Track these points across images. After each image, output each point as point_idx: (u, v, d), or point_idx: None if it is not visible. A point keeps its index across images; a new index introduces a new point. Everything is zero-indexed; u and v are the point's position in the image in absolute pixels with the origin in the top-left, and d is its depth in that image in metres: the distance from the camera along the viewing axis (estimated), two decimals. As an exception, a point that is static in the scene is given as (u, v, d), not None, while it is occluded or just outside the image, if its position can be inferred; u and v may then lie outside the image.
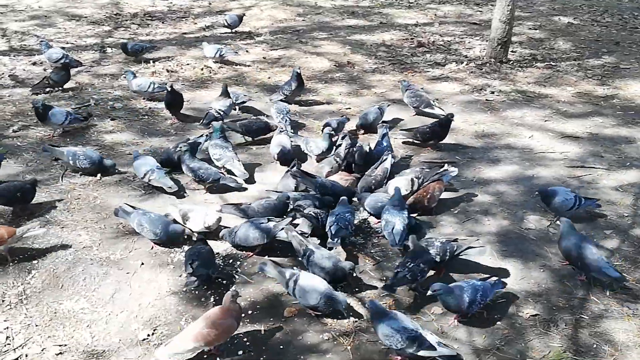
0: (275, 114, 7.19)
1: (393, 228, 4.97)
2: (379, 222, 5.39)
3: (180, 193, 5.87)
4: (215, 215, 5.22)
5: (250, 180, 6.18)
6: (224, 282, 4.76)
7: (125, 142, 6.90)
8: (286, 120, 7.00)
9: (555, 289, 4.76)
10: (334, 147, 6.44)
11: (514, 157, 6.78)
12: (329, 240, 4.93)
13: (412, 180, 5.80)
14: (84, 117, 7.04)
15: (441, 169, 5.85)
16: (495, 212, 5.71)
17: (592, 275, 4.73)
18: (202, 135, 6.62)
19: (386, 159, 6.13)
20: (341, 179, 6.02)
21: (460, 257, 4.84)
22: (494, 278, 4.67)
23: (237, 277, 4.82)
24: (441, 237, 5.05)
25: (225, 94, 7.42)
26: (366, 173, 6.05)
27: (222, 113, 7.19)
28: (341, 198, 5.31)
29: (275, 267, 4.60)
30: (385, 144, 6.39)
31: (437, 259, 4.74)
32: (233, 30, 10.84)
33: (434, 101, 7.70)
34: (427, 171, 5.88)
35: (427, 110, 7.62)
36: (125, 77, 8.23)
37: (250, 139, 7.00)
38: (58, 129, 6.88)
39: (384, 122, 7.04)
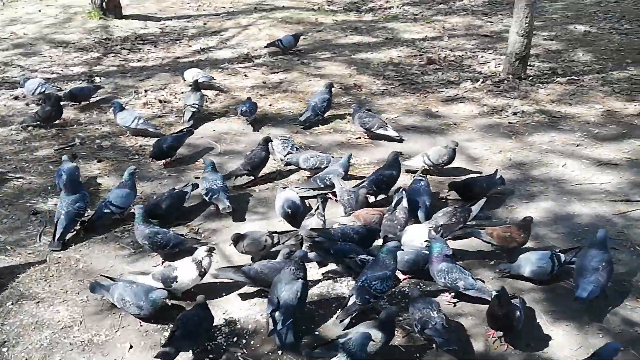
0: (280, 147, 6.59)
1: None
2: (406, 277, 4.77)
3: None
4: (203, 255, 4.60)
5: (240, 217, 5.61)
6: (227, 367, 4.03)
7: (112, 188, 6.17)
8: (293, 147, 6.58)
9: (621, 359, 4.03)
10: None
11: (548, 191, 6.05)
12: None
13: (431, 233, 5.05)
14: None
15: (471, 217, 5.11)
16: (536, 261, 4.96)
17: None
18: (187, 185, 5.91)
19: (402, 197, 5.40)
20: (367, 214, 5.36)
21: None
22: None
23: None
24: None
25: (196, 88, 7.77)
26: (385, 217, 5.32)
27: (197, 106, 7.57)
28: (371, 260, 4.57)
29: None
30: (423, 183, 5.66)
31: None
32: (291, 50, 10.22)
33: (385, 122, 7.18)
34: (452, 223, 5.15)
35: (380, 132, 7.04)
36: (112, 110, 7.52)
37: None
38: None
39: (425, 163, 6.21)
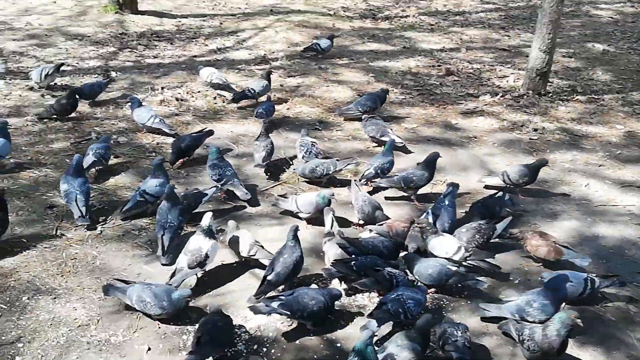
0: (299, 148, 6.57)
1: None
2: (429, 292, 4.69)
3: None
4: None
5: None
6: (249, 377, 3.93)
7: (129, 185, 6.08)
8: (310, 152, 6.45)
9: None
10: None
11: (572, 210, 5.96)
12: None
13: (460, 248, 4.94)
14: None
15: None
16: (561, 283, 4.86)
17: None
18: (209, 188, 5.81)
19: (429, 211, 5.33)
20: (399, 224, 5.25)
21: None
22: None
23: (263, 367, 3.99)
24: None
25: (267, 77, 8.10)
26: (420, 219, 5.24)
27: (253, 92, 7.92)
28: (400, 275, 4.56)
29: None
30: (447, 202, 5.43)
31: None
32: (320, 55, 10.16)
33: (390, 129, 7.14)
34: (478, 247, 5.05)
35: (383, 139, 6.92)
36: (129, 105, 7.42)
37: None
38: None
39: (452, 183, 5.77)
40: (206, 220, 4.74)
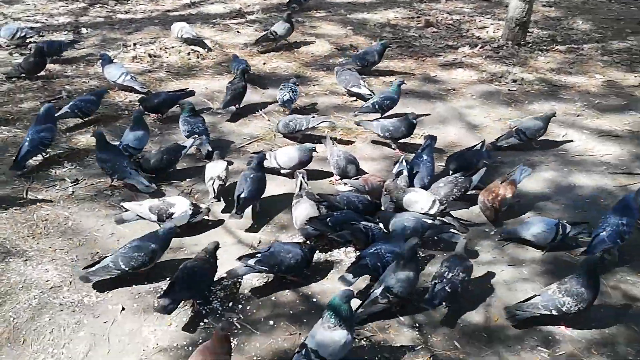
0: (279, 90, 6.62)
1: None
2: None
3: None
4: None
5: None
6: (223, 332, 3.90)
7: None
8: (288, 96, 6.49)
9: (622, 335, 3.98)
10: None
11: (549, 161, 5.94)
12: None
13: (434, 202, 4.90)
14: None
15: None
16: (537, 233, 4.87)
17: None
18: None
19: (403, 168, 5.30)
20: (374, 179, 5.24)
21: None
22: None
23: (237, 324, 3.96)
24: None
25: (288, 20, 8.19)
26: (386, 184, 5.18)
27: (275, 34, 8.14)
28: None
29: None
30: (425, 157, 5.39)
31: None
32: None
33: (362, 81, 7.04)
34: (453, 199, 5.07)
35: (354, 89, 6.98)
36: (100, 63, 7.22)
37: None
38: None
39: (430, 135, 5.70)
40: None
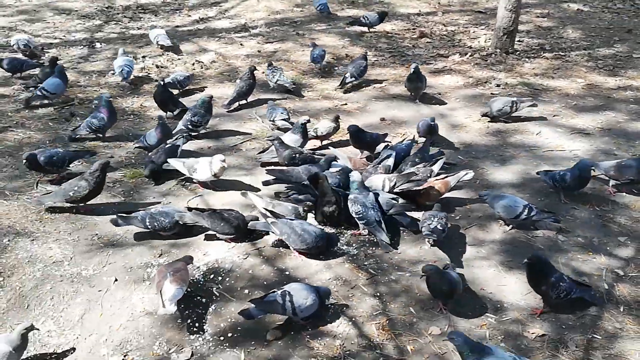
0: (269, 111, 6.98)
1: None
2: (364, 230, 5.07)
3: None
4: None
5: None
6: (203, 300, 4.39)
7: (107, 144, 6.51)
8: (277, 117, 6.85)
9: (565, 305, 4.35)
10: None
11: (520, 156, 6.35)
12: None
13: (385, 181, 5.48)
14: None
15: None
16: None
17: None
18: (177, 138, 6.22)
19: (389, 155, 5.83)
20: (359, 158, 6.13)
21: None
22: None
23: (217, 293, 4.44)
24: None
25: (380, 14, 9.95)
26: (367, 169, 5.76)
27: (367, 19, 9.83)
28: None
29: None
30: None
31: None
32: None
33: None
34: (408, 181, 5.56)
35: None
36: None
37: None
38: None
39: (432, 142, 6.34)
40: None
